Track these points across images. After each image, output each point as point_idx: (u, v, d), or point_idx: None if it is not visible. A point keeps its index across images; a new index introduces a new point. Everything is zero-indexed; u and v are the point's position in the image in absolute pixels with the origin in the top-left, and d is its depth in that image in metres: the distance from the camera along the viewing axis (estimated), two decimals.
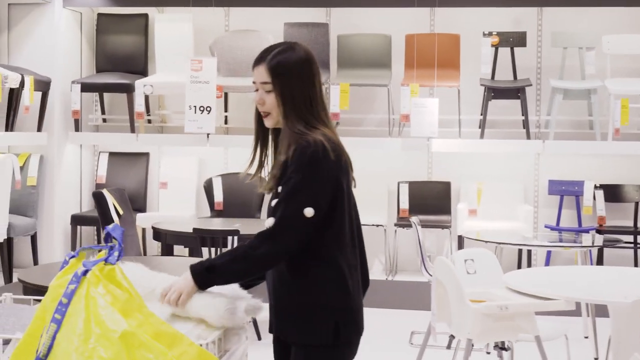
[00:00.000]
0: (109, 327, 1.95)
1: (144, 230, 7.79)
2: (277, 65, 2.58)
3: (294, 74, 2.59)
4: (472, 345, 3.98)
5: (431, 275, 5.76)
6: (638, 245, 7.53)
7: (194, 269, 2.49)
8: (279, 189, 2.52)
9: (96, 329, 1.96)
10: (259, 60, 2.60)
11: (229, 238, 5.73)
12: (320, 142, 2.52)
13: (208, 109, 7.31)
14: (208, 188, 7.86)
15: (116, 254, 2.08)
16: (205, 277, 2.48)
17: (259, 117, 2.66)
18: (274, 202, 2.53)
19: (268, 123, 2.62)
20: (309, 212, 2.48)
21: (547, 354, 4.06)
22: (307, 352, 2.52)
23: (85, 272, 2.04)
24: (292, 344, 2.56)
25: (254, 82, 2.62)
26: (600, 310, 5.96)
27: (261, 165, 2.66)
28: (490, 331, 3.97)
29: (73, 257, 2.13)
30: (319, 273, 2.53)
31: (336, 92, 7.32)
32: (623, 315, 3.51)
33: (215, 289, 2.52)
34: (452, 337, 4.27)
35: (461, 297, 3.95)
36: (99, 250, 2.18)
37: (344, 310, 2.54)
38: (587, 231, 7.31)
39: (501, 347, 4.16)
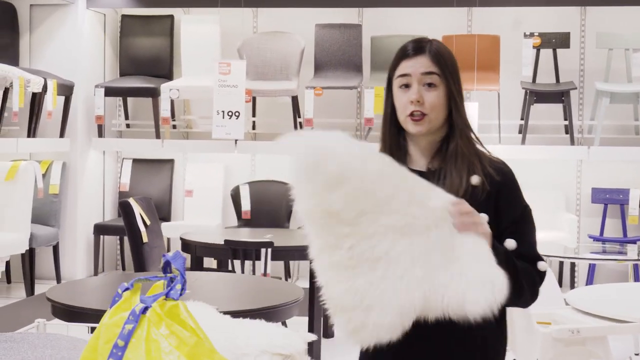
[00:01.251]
0: None
1: (168, 240, 7.50)
2: (442, 56, 2.13)
3: (457, 70, 2.16)
4: None
5: None
6: None
7: (495, 244, 2.00)
8: (482, 216, 2.01)
9: None
10: (416, 50, 2.13)
11: (262, 250, 5.43)
12: None
13: (237, 114, 7.02)
14: (235, 196, 7.57)
15: (179, 287, 1.77)
16: (499, 251, 1.99)
17: (396, 126, 2.17)
18: (511, 242, 2.02)
19: (419, 128, 2.11)
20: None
21: None
22: None
23: (144, 310, 1.72)
24: None
25: (404, 75, 2.13)
26: None
27: None
28: (560, 357, 3.64)
29: (127, 289, 1.82)
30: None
31: (370, 97, 7.00)
32: None
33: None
34: None
35: (528, 320, 3.63)
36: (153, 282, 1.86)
37: None
38: (633, 242, 7.00)
39: None
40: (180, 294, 1.76)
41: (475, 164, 2.08)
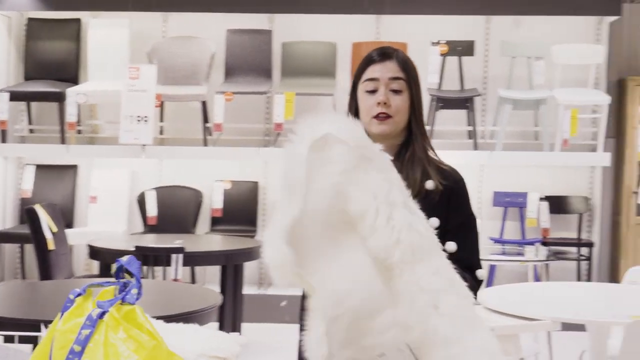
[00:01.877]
0: None
1: (71, 247, 7.36)
2: (408, 64, 2.25)
3: (419, 79, 2.28)
4: None
5: None
6: (582, 257, 7.51)
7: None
8: (433, 220, 2.13)
9: None
10: (384, 56, 2.24)
11: (173, 256, 5.43)
12: None
13: (145, 118, 6.97)
14: (141, 202, 7.51)
15: (135, 291, 1.78)
16: None
17: None
18: (451, 244, 2.13)
19: (383, 127, 2.22)
20: None
21: None
22: None
23: (101, 315, 1.73)
24: None
25: (372, 80, 2.23)
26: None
27: None
28: None
29: (79, 295, 1.82)
30: None
31: (280, 102, 7.06)
32: (632, 334, 3.37)
33: None
34: None
35: None
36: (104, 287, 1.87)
37: None
38: (531, 243, 7.26)
39: None
40: (137, 299, 1.77)
41: (429, 170, 2.19)
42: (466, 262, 2.17)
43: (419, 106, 2.25)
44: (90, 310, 1.77)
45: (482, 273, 2.21)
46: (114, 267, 1.89)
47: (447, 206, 2.20)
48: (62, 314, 1.81)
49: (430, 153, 2.28)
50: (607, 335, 4.01)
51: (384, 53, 2.24)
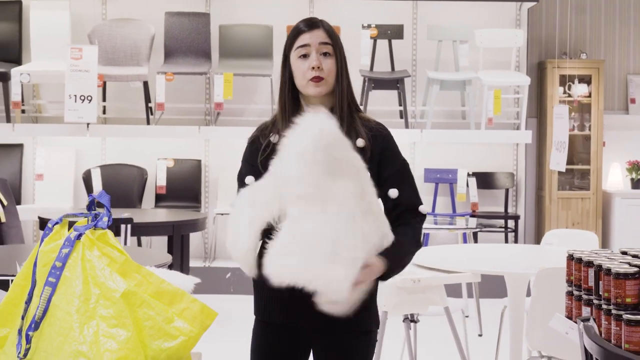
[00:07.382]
0: (109, 288, 1.98)
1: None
2: (333, 31, 2.52)
3: (342, 44, 2.54)
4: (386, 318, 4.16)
5: None
6: (508, 229, 7.96)
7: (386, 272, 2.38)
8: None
9: (95, 290, 1.98)
10: (311, 25, 2.49)
11: (122, 226, 5.70)
12: None
13: (89, 98, 7.20)
14: (87, 179, 7.74)
15: (105, 219, 2.10)
16: (387, 276, 2.41)
17: (293, 94, 2.50)
18: (394, 191, 2.46)
19: (319, 89, 2.45)
20: None
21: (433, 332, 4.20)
22: (371, 336, 2.51)
23: (79, 236, 2.05)
24: (351, 332, 2.46)
25: (303, 46, 2.45)
26: (483, 292, 6.33)
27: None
28: (403, 303, 4.15)
29: (57, 223, 2.13)
30: None
31: (220, 82, 7.35)
32: (541, 283, 3.78)
33: None
34: None
35: None
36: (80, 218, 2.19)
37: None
38: (462, 216, 7.67)
39: (411, 319, 4.35)
40: (108, 225, 2.09)
41: (359, 128, 2.47)
42: (410, 203, 2.49)
43: (345, 70, 2.52)
44: (67, 235, 2.09)
45: (424, 208, 2.53)
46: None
47: (380, 159, 2.47)
48: (42, 240, 2.12)
49: (355, 113, 2.52)
50: (524, 288, 4.41)
51: (312, 23, 2.51)
